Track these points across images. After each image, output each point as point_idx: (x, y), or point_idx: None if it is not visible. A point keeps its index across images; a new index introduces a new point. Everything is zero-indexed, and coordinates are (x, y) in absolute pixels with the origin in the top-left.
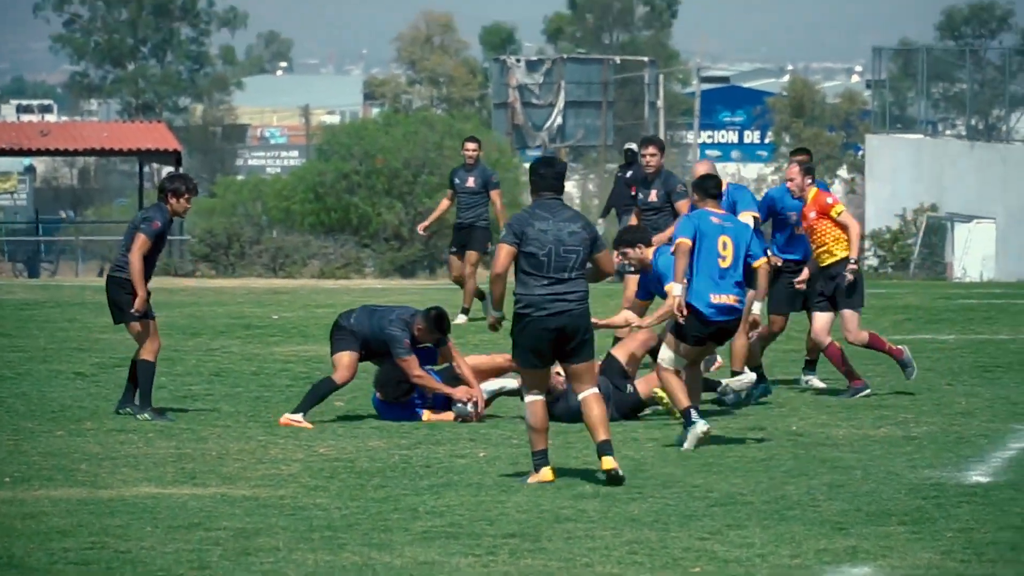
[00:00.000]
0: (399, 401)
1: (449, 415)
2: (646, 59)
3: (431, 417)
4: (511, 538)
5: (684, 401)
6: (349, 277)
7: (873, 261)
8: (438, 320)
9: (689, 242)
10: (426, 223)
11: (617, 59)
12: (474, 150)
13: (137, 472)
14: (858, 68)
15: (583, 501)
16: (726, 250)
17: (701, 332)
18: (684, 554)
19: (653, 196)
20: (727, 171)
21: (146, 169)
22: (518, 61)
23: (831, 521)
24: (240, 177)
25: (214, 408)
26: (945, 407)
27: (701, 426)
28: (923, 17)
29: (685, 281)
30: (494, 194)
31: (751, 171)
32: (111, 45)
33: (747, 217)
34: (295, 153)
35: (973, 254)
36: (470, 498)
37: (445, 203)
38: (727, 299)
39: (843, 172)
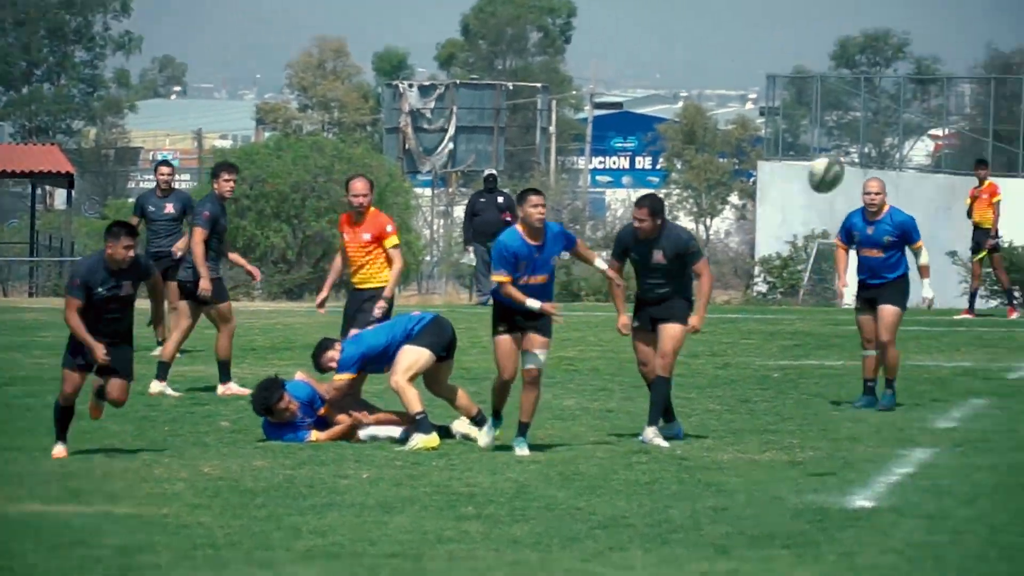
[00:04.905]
0: (284, 420)
1: (333, 432)
2: (538, 85)
3: (318, 437)
4: (392, 558)
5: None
6: (237, 299)
7: (763, 287)
8: None
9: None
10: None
11: (510, 85)
12: (168, 174)
13: (21, 490)
14: (752, 95)
15: (465, 522)
16: None
17: None
18: None
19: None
20: (617, 197)
21: (38, 191)
22: (410, 86)
23: (714, 544)
24: (132, 200)
25: (100, 427)
26: (831, 432)
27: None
28: (818, 46)
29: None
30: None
31: None
32: (5, 68)
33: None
34: (187, 176)
35: None
36: (352, 518)
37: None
38: None
39: (734, 199)
